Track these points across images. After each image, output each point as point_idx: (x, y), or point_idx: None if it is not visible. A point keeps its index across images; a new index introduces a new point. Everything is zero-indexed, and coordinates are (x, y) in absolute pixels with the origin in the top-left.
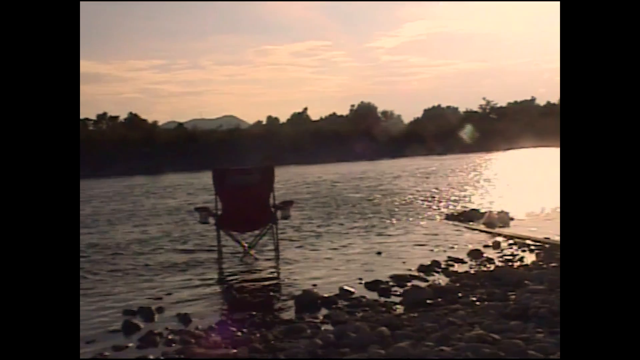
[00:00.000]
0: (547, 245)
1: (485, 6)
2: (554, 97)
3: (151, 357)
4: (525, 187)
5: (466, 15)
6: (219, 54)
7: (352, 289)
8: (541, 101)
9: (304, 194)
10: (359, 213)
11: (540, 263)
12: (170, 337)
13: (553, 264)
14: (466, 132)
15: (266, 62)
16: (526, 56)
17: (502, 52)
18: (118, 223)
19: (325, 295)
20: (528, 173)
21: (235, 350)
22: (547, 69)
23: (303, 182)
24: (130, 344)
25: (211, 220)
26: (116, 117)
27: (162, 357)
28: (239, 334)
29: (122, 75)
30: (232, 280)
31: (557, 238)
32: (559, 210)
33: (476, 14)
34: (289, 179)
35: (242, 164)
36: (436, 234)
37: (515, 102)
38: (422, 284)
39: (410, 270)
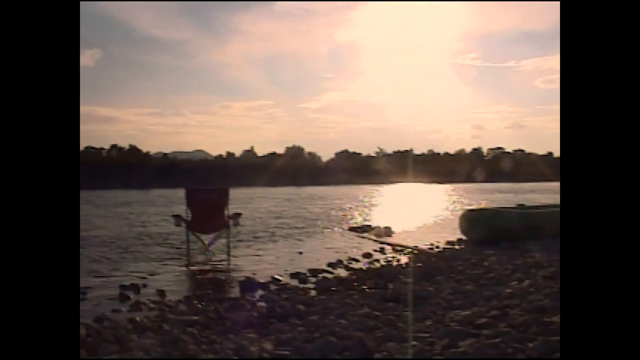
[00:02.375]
0: (415, 251)
1: (379, 83)
2: (426, 149)
3: (137, 318)
4: (402, 209)
5: (366, 89)
6: (195, 106)
7: (280, 277)
8: (417, 151)
9: (252, 209)
10: (287, 225)
11: (410, 263)
12: (151, 305)
13: (418, 264)
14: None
15: (228, 114)
16: (405, 118)
17: (388, 115)
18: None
19: (261, 281)
20: (404, 199)
21: (196, 317)
22: (421, 130)
23: (256, 199)
24: (124, 309)
25: (183, 224)
26: (122, 148)
27: (145, 319)
28: (199, 305)
29: (128, 119)
30: (195, 267)
31: (423, 246)
32: (423, 226)
33: (372, 89)
34: (251, 197)
35: (207, 185)
36: (341, 241)
37: (399, 151)
38: (329, 276)
39: (321, 265)
